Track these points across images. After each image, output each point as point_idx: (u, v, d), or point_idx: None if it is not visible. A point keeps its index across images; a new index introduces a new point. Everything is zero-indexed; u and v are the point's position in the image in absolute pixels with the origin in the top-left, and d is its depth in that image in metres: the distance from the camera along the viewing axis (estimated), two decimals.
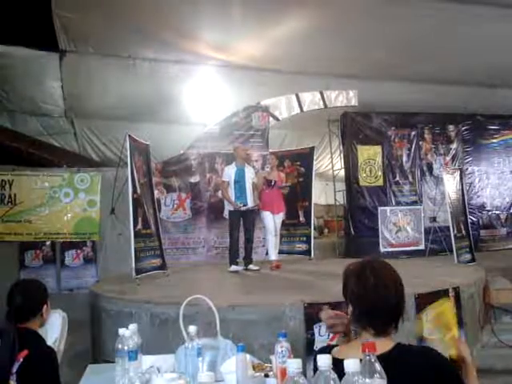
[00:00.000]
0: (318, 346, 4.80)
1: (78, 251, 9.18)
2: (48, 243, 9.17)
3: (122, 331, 2.28)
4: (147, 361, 2.40)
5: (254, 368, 2.27)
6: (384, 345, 1.88)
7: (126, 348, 2.21)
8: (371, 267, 2.04)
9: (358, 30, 9.18)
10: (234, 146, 9.00)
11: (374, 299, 1.96)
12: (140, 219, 7.66)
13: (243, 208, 8.02)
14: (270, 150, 10.14)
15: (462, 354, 2.05)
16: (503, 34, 9.41)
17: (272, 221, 8.31)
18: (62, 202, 9.05)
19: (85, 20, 9.16)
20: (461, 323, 5.65)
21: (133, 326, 2.36)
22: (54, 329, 3.73)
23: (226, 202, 9.03)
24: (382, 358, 1.58)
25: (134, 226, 7.39)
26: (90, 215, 9.07)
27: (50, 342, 3.56)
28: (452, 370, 1.88)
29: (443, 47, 9.75)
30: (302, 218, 9.89)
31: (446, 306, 2.30)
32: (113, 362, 2.30)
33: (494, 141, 12.94)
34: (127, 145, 7.62)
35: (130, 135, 7.77)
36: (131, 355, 2.18)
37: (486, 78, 11.15)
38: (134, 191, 7.56)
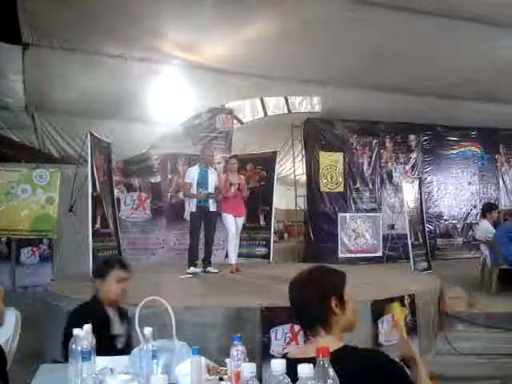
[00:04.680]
0: (273, 349, 4.82)
1: (34, 249, 9.01)
2: (3, 239, 8.99)
3: (76, 331, 2.25)
4: (101, 362, 2.37)
5: (208, 371, 2.26)
6: (333, 344, 1.93)
7: (79, 348, 2.19)
8: (298, 274, 2.21)
9: (324, 36, 9.24)
10: (202, 148, 8.99)
11: (292, 302, 2.16)
12: (99, 218, 7.59)
13: (204, 195, 7.93)
14: (233, 153, 10.14)
15: (412, 354, 2.12)
16: (467, 47, 9.59)
17: (234, 223, 8.30)
18: (20, 197, 8.88)
19: (50, 13, 9.00)
20: (415, 330, 5.75)
21: (87, 327, 2.33)
22: (7, 327, 3.67)
23: (187, 204, 9.00)
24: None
25: (93, 224, 7.32)
26: (47, 212, 8.93)
27: (2, 340, 3.50)
28: (396, 371, 1.91)
29: (407, 58, 9.89)
30: (262, 222, 9.91)
31: (397, 307, 2.37)
32: (66, 362, 2.27)
33: (453, 152, 13.20)
34: (88, 142, 7.54)
35: (91, 132, 7.70)
36: (85, 356, 2.15)
37: (447, 89, 11.35)
38: (94, 190, 7.48)
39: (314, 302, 2.04)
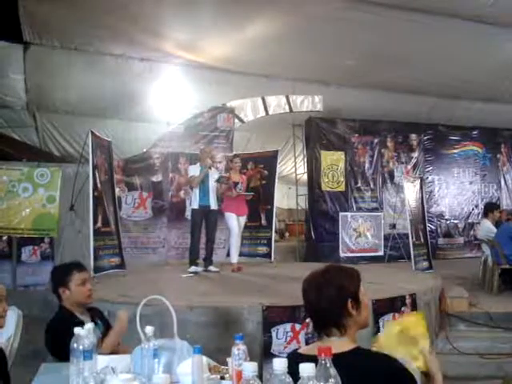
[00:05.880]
0: (274, 349, 4.82)
1: (35, 247, 9.00)
2: (4, 238, 8.99)
3: (77, 330, 2.24)
4: (102, 361, 2.37)
5: (210, 370, 2.26)
6: (345, 345, 1.97)
7: (81, 347, 2.18)
8: (312, 274, 2.16)
9: (326, 36, 9.25)
10: (201, 148, 8.99)
11: (308, 302, 2.12)
12: (100, 217, 7.59)
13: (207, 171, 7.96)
14: (234, 152, 10.14)
15: (430, 368, 2.11)
16: (468, 47, 9.59)
17: (237, 222, 8.30)
18: (21, 196, 8.85)
19: (51, 13, 9.01)
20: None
21: (89, 325, 2.33)
22: (8, 326, 3.66)
23: (188, 202, 9.00)
24: (338, 356, 1.66)
25: (94, 223, 7.32)
26: (48, 211, 8.90)
27: (3, 340, 3.49)
28: (406, 378, 1.92)
29: (409, 57, 9.89)
30: (263, 221, 9.90)
31: (416, 319, 2.32)
32: (67, 361, 2.27)
33: (455, 151, 13.19)
34: (89, 141, 7.54)
35: (92, 131, 7.70)
36: (86, 355, 2.15)
37: (449, 89, 11.35)
38: (95, 188, 7.48)
39: (330, 303, 2.03)
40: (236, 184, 8.31)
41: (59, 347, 2.87)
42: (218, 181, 8.06)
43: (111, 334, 3.31)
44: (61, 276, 3.48)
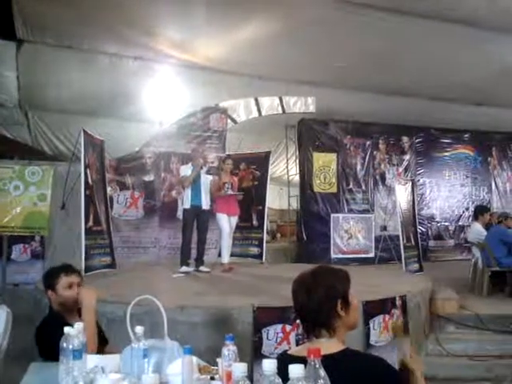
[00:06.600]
0: (265, 349, 4.82)
1: (26, 246, 8.97)
2: None
3: (67, 329, 2.24)
4: (92, 360, 2.36)
5: (200, 370, 2.26)
6: (334, 346, 1.98)
7: (70, 347, 2.17)
8: (302, 275, 2.17)
9: (319, 38, 9.25)
10: (193, 148, 8.99)
11: (297, 303, 2.12)
12: (91, 216, 7.57)
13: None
14: (227, 153, 10.14)
15: (412, 366, 2.12)
16: (461, 50, 9.62)
17: (228, 222, 8.30)
18: (12, 194, 8.81)
19: (45, 10, 8.97)
20: (406, 331, 5.76)
21: (78, 325, 2.32)
22: None
23: (180, 202, 8.98)
24: (327, 357, 1.69)
25: (85, 222, 7.30)
26: (39, 209, 8.85)
27: None
28: (395, 378, 1.93)
29: (401, 60, 9.92)
30: (255, 222, 9.90)
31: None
32: (57, 361, 2.26)
33: (446, 154, 13.25)
34: (81, 140, 7.52)
35: (84, 130, 7.68)
36: (76, 354, 2.14)
37: (440, 92, 11.38)
38: (87, 187, 7.47)
39: (319, 304, 2.04)
40: (224, 183, 8.31)
41: (47, 350, 2.85)
42: (208, 172, 8.09)
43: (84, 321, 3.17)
44: (49, 279, 3.46)
